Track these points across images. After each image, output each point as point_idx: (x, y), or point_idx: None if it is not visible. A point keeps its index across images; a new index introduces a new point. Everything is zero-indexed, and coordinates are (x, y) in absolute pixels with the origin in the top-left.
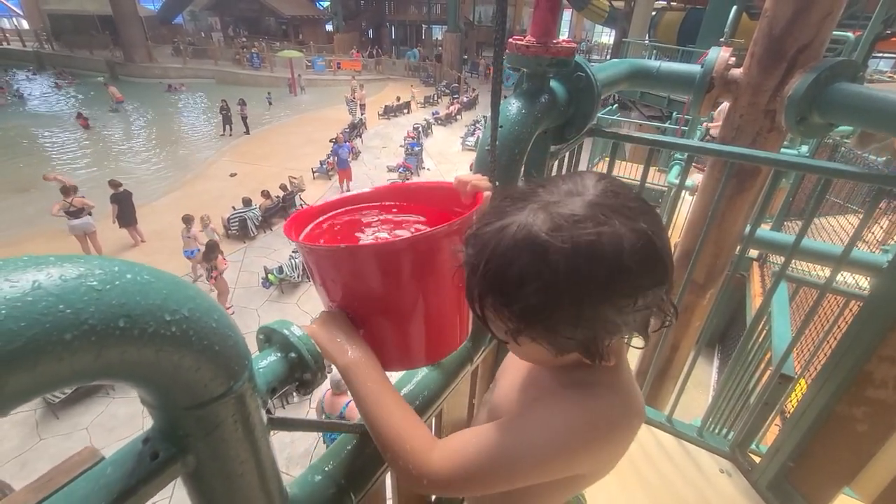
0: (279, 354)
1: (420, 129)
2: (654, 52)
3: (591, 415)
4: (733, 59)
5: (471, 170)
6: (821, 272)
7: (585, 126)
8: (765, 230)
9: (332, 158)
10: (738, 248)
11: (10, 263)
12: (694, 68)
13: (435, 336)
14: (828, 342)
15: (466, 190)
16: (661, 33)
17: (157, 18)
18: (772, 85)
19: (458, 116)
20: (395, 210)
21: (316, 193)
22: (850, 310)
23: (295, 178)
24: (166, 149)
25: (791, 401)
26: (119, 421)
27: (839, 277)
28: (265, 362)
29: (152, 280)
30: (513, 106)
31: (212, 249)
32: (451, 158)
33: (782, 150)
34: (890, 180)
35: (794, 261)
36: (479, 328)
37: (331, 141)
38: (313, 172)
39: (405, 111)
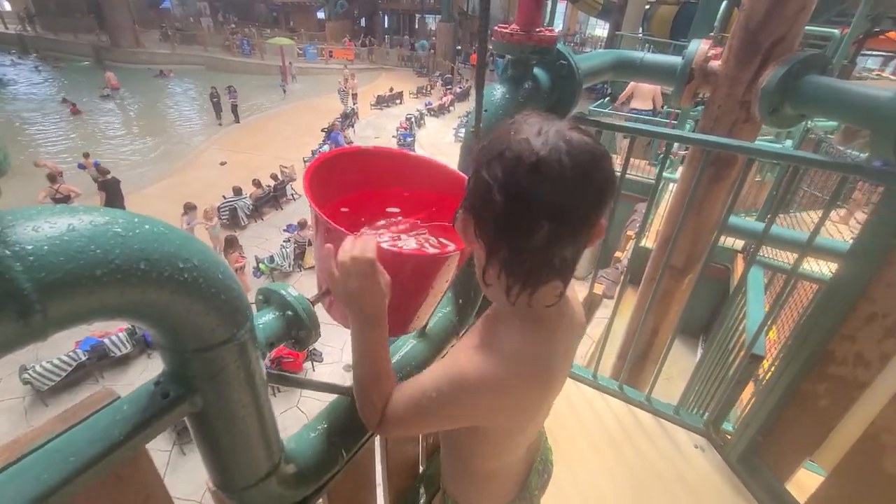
0: (277, 313)
1: (413, 119)
2: (648, 45)
3: (465, 368)
4: (712, 51)
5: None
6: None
7: (568, 113)
8: (740, 219)
9: (325, 147)
10: (714, 234)
11: (47, 210)
12: (675, 60)
13: (404, 316)
14: (799, 326)
15: None
16: (655, 27)
17: (145, 2)
18: (747, 77)
19: (451, 107)
20: (406, 195)
21: None
22: None
23: (286, 167)
24: (156, 136)
25: (762, 381)
26: None
27: (813, 265)
28: (264, 319)
29: (167, 232)
30: (497, 91)
31: (230, 244)
32: (443, 149)
33: (767, 143)
34: (854, 169)
35: (776, 251)
36: (465, 305)
37: (322, 130)
38: (305, 162)
39: (398, 101)
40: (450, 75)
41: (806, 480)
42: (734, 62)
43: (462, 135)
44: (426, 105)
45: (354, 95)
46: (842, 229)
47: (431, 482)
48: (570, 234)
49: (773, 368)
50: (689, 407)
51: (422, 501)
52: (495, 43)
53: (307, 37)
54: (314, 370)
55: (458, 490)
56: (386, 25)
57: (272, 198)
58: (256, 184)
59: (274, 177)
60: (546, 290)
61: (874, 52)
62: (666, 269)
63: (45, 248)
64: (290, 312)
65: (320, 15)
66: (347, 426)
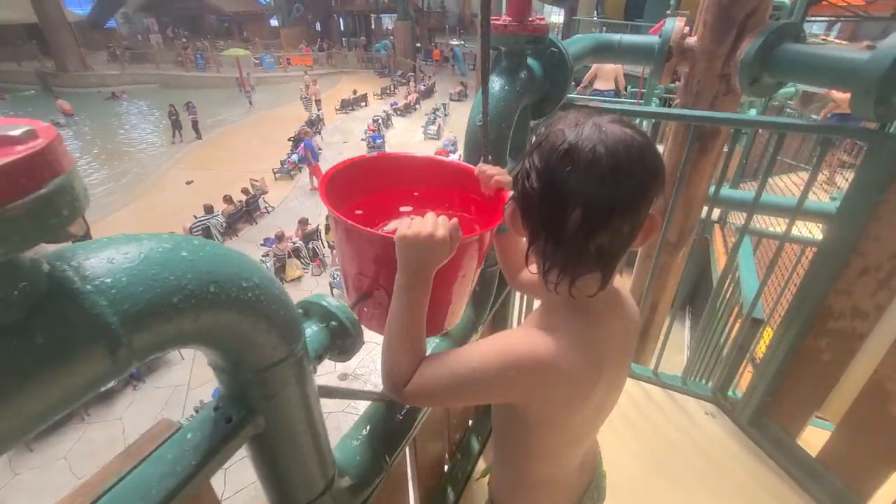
0: (321, 325)
1: (380, 121)
2: (603, 27)
3: (517, 341)
4: (688, 28)
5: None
6: (777, 227)
7: (562, 99)
8: (727, 189)
9: (294, 157)
10: (706, 207)
11: (113, 240)
12: (652, 39)
13: (439, 315)
14: (789, 288)
15: (490, 183)
16: (609, 9)
17: (88, 23)
18: (724, 51)
19: (417, 105)
20: (416, 194)
21: (280, 194)
22: (807, 256)
23: (256, 180)
24: (117, 160)
25: (760, 346)
26: (98, 446)
27: (794, 229)
28: (309, 332)
29: (226, 252)
30: (496, 84)
31: None
32: (413, 148)
33: (743, 115)
34: (835, 129)
35: (754, 217)
36: (479, 300)
37: (289, 140)
38: (275, 173)
39: (362, 104)
40: (412, 73)
41: (815, 436)
42: (710, 37)
43: (431, 132)
44: (392, 105)
45: (318, 101)
46: (817, 192)
47: (457, 481)
48: (604, 222)
49: (767, 336)
50: (694, 377)
51: (450, 499)
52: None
53: (262, 46)
54: None
55: (509, 498)
56: (342, 28)
57: (245, 213)
58: (227, 200)
59: (245, 191)
60: (586, 281)
61: (818, 18)
62: (662, 244)
63: (124, 279)
64: (333, 323)
65: (274, 22)
66: (388, 432)
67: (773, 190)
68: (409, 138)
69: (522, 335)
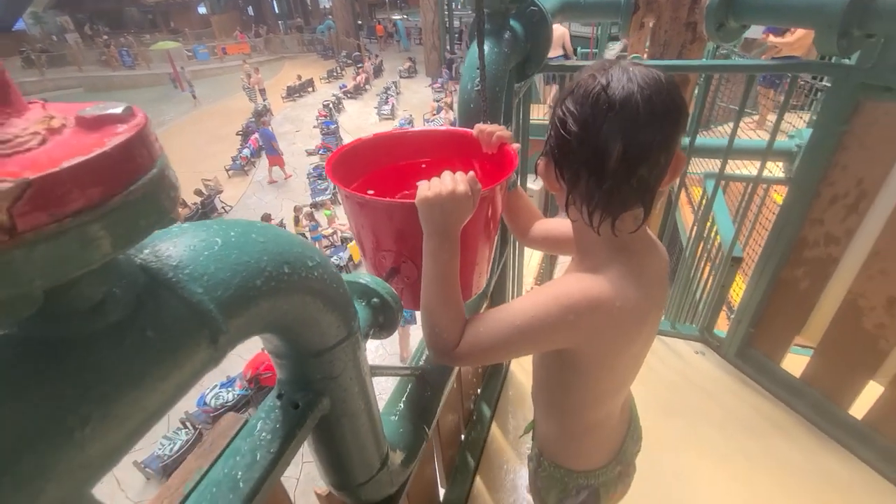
0: (363, 302)
1: (331, 105)
2: None
3: (569, 286)
4: None
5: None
6: (737, 171)
7: (543, 60)
8: (703, 138)
9: (244, 152)
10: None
11: (184, 229)
12: None
13: (468, 278)
14: (760, 223)
15: (492, 140)
16: None
17: None
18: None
19: (368, 86)
20: (424, 166)
21: (236, 192)
22: (770, 196)
23: (209, 180)
24: None
25: (735, 291)
26: None
27: (752, 170)
28: None
29: (287, 234)
30: (485, 47)
31: None
32: (370, 131)
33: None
34: (804, 67)
35: (709, 162)
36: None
37: (238, 134)
38: (227, 170)
39: (310, 89)
40: (358, 53)
41: (796, 362)
42: None
43: (385, 112)
44: (341, 88)
45: (262, 91)
46: (760, 133)
47: (475, 448)
48: (643, 153)
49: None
50: (681, 320)
51: (470, 466)
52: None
53: (193, 37)
54: None
55: (557, 451)
56: (277, 10)
57: (202, 215)
58: (182, 204)
59: (198, 192)
60: (628, 217)
61: None
62: None
63: (212, 266)
64: (375, 300)
65: (202, 10)
66: (422, 404)
67: (720, 136)
68: (363, 121)
69: (573, 279)
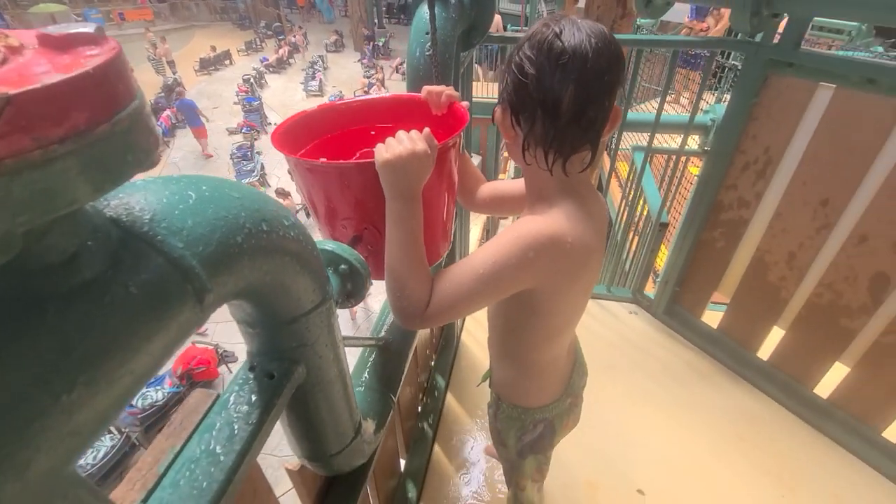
0: (330, 269)
1: (251, 80)
2: None
3: (525, 228)
4: None
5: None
6: (661, 144)
7: (487, 28)
8: (633, 113)
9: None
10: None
11: (150, 182)
12: None
13: (435, 238)
14: (680, 193)
15: (441, 101)
16: None
17: None
18: None
19: (291, 60)
20: (373, 133)
21: (150, 175)
22: (689, 169)
23: None
24: None
25: (658, 260)
26: None
27: (671, 143)
28: None
29: (261, 193)
30: (434, 9)
31: None
32: (297, 107)
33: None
34: (720, 43)
35: (632, 136)
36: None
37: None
38: None
39: (227, 62)
40: (279, 24)
41: (714, 317)
42: None
43: (312, 88)
44: (262, 62)
45: (171, 63)
46: (676, 108)
47: (433, 417)
48: (592, 96)
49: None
50: (616, 284)
51: (428, 435)
52: None
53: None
54: (231, 372)
55: (514, 392)
56: None
57: None
58: None
59: None
60: (577, 159)
61: None
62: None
63: (189, 221)
64: (343, 266)
65: None
66: (387, 373)
67: (643, 113)
68: (289, 97)
69: (529, 221)
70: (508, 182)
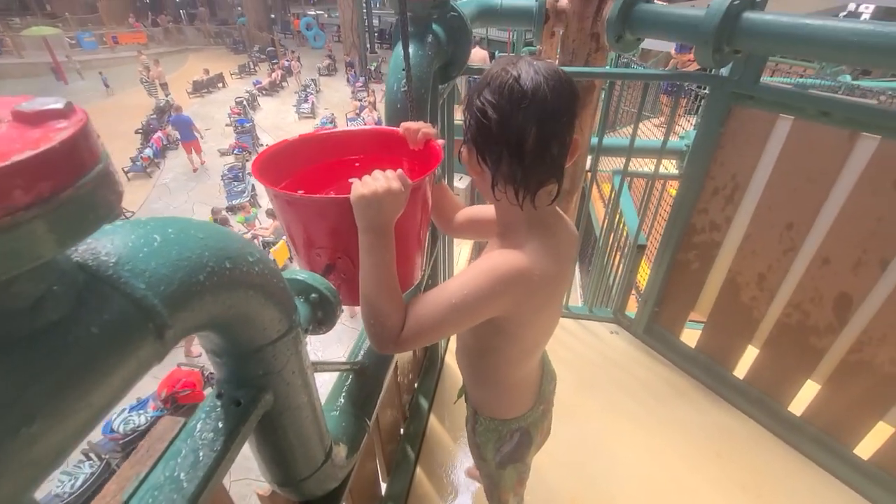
0: (301, 299)
1: (244, 102)
2: None
3: (498, 261)
4: None
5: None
6: (640, 168)
7: (465, 62)
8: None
9: (146, 152)
10: (594, 153)
11: (119, 227)
12: (530, 3)
13: (406, 269)
14: (661, 215)
15: (417, 137)
16: None
17: None
18: (591, 11)
19: (284, 83)
20: (357, 165)
21: (138, 196)
22: (667, 191)
23: None
24: None
25: (642, 276)
26: None
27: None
28: None
29: (226, 230)
30: (409, 50)
31: None
32: (289, 130)
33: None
34: (685, 77)
35: (616, 160)
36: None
37: (137, 132)
38: (126, 172)
39: (220, 85)
40: (272, 48)
41: (692, 336)
42: (578, 0)
43: (305, 110)
44: (255, 84)
45: (164, 85)
46: (660, 133)
47: (414, 440)
48: (553, 134)
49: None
50: (597, 304)
51: (410, 458)
52: (392, 1)
53: (77, 22)
54: None
55: (490, 407)
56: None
57: None
58: None
59: None
60: (544, 193)
61: None
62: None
63: (153, 262)
64: (314, 295)
65: None
66: (362, 397)
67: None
68: (281, 119)
69: (499, 255)
70: (482, 208)
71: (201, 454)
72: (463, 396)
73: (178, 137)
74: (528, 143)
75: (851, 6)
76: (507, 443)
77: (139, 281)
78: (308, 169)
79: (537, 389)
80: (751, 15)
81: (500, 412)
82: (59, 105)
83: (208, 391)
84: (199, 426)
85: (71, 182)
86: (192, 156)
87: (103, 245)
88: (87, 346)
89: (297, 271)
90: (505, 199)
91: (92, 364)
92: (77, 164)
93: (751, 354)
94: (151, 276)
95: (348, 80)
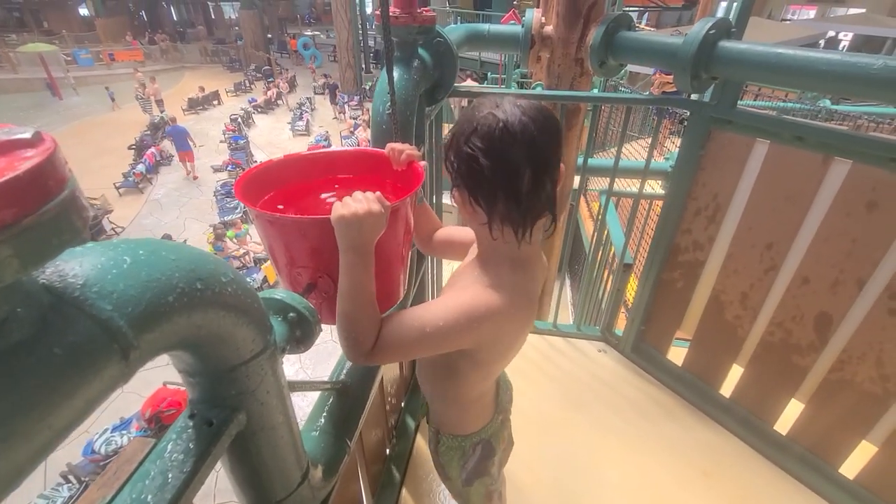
0: (279, 318)
1: (239, 120)
2: (457, 17)
3: (475, 299)
4: (544, 17)
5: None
6: (627, 187)
7: (451, 86)
8: (594, 159)
9: (139, 168)
10: (581, 174)
11: (89, 249)
12: (516, 29)
13: (388, 287)
14: (647, 234)
15: (401, 158)
16: (461, 0)
17: None
18: (576, 37)
19: (280, 101)
20: (336, 186)
21: (129, 212)
22: (654, 210)
23: (95, 199)
24: None
25: (630, 294)
26: None
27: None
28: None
29: (199, 251)
30: (395, 74)
31: None
32: (283, 147)
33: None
34: (666, 101)
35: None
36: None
37: (130, 148)
38: (118, 188)
39: (215, 102)
40: (268, 67)
41: (679, 353)
42: (563, 26)
43: (299, 128)
44: (250, 102)
45: (160, 102)
46: (655, 154)
47: (400, 461)
48: (546, 170)
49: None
50: (585, 323)
51: (396, 480)
52: (377, 27)
53: (73, 39)
54: None
55: (452, 424)
56: (175, 18)
57: (90, 238)
58: None
59: None
60: (539, 225)
61: (631, 8)
62: None
63: (121, 284)
64: (292, 314)
65: (83, 12)
66: (343, 417)
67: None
68: (275, 136)
69: (478, 293)
70: (459, 229)
71: (170, 475)
72: (425, 417)
73: (175, 148)
74: (523, 184)
75: (831, 34)
76: (471, 458)
77: (106, 302)
78: (291, 187)
79: (494, 401)
80: (726, 43)
81: (462, 428)
82: (27, 135)
83: None
84: (169, 447)
85: (35, 209)
86: (185, 164)
87: (71, 267)
88: (49, 367)
89: (276, 290)
90: (501, 237)
91: (53, 385)
92: (42, 191)
93: (736, 373)
94: (119, 297)
95: (335, 102)
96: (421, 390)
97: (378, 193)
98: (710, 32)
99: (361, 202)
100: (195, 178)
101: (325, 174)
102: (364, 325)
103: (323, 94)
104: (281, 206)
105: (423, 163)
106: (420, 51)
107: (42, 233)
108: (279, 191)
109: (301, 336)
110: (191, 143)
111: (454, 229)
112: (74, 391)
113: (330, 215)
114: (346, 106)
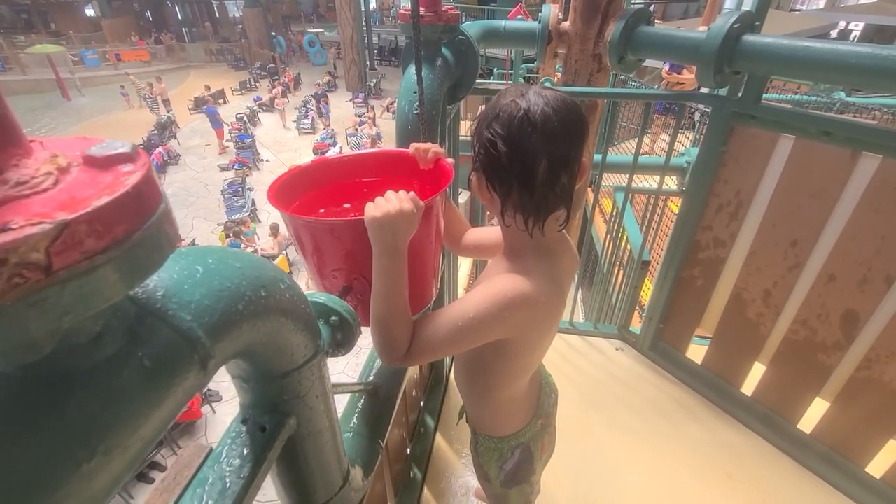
0: (321, 321)
1: (245, 118)
2: (462, 14)
3: (506, 287)
4: (561, 13)
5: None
6: (641, 183)
7: (472, 84)
8: (609, 156)
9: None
10: (599, 171)
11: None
12: (532, 25)
13: (422, 287)
14: (662, 230)
15: (427, 157)
16: None
17: None
18: (594, 33)
19: (285, 99)
20: (365, 190)
21: None
22: (669, 207)
23: None
24: None
25: (644, 292)
26: None
27: (645, 183)
28: None
29: (259, 259)
30: (421, 73)
31: None
32: (289, 145)
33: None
34: (689, 97)
35: (614, 176)
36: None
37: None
38: None
39: (221, 101)
40: (273, 65)
41: (698, 351)
42: (581, 22)
43: (305, 126)
44: (256, 101)
45: (166, 101)
46: (655, 149)
47: (420, 460)
48: (563, 164)
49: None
50: (602, 320)
51: (417, 478)
52: (403, 26)
53: (80, 40)
54: (214, 412)
55: (488, 425)
56: (180, 17)
57: None
58: None
59: None
60: (552, 219)
61: (637, 1)
62: None
63: (197, 294)
64: (334, 318)
65: (90, 13)
66: (374, 418)
67: (624, 152)
68: (281, 135)
69: (507, 281)
70: (488, 230)
71: (228, 482)
72: (464, 417)
73: (211, 126)
74: (538, 175)
75: (842, 24)
76: (509, 460)
77: (185, 312)
78: (321, 191)
79: (534, 404)
80: (751, 38)
81: (498, 430)
82: (126, 149)
83: (205, 409)
84: (224, 452)
85: (141, 224)
86: (220, 141)
87: (150, 278)
88: (141, 378)
89: (317, 294)
90: (514, 225)
91: (144, 396)
92: (145, 205)
93: (758, 371)
94: (196, 307)
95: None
96: (457, 390)
97: (411, 192)
98: (735, 26)
99: (393, 202)
100: (223, 150)
101: (354, 177)
102: (399, 328)
103: (329, 91)
104: (322, 210)
105: (450, 160)
106: (443, 49)
107: (147, 247)
108: (311, 195)
109: (342, 339)
110: (222, 122)
111: (484, 230)
112: (161, 402)
113: (363, 216)
114: (351, 103)
